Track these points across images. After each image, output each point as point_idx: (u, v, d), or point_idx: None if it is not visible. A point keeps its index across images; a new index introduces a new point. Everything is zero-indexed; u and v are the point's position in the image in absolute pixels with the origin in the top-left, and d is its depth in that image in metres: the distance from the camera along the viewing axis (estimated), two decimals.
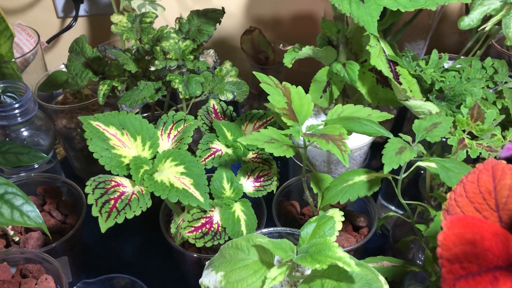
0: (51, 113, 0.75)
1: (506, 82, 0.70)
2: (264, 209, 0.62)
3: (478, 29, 0.74)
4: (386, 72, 0.59)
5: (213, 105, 0.65)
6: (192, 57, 0.63)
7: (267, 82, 0.55)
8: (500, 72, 0.68)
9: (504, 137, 0.60)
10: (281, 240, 0.48)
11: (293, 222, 0.65)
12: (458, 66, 0.68)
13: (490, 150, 0.55)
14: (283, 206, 0.66)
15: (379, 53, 0.61)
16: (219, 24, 0.67)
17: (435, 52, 0.66)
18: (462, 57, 0.82)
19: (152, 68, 0.59)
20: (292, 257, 0.45)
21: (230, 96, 0.66)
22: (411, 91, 0.63)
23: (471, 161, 0.58)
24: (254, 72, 0.56)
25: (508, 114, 0.63)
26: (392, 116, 0.58)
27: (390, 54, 0.63)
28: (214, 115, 0.65)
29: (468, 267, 0.30)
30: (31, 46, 0.83)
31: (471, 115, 0.54)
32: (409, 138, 0.51)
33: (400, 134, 0.52)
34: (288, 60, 0.64)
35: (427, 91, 0.65)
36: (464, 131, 0.56)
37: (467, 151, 0.54)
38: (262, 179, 0.58)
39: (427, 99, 0.65)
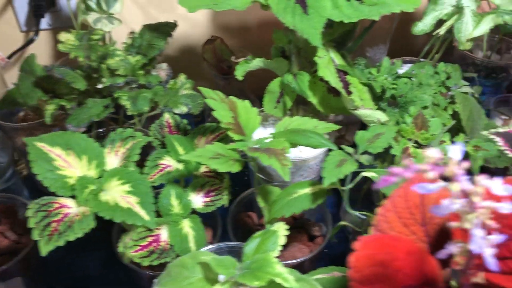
0: (9, 130, 0.75)
1: (460, 87, 0.71)
2: (218, 221, 0.62)
3: (433, 34, 0.74)
4: (334, 82, 0.59)
5: (167, 119, 0.65)
6: (142, 72, 0.62)
7: (212, 97, 0.55)
8: (453, 76, 0.69)
9: (453, 143, 0.60)
10: (225, 257, 0.48)
11: (250, 233, 0.65)
12: (412, 71, 0.68)
13: None
14: (240, 218, 0.66)
15: (327, 63, 0.61)
16: (171, 37, 0.67)
17: (386, 60, 0.67)
18: (422, 59, 0.83)
19: (100, 86, 0.58)
20: (234, 274, 0.45)
21: (184, 109, 0.66)
22: (362, 99, 0.63)
23: None
24: (199, 88, 0.56)
25: (460, 119, 0.64)
26: (339, 127, 0.58)
27: (340, 63, 0.64)
28: (168, 130, 0.65)
29: None
30: None
31: (415, 123, 0.55)
32: (351, 150, 0.51)
33: (343, 146, 0.52)
34: (239, 73, 0.64)
35: (380, 98, 0.66)
36: (410, 139, 0.56)
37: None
38: (212, 194, 0.58)
39: (380, 107, 0.65)
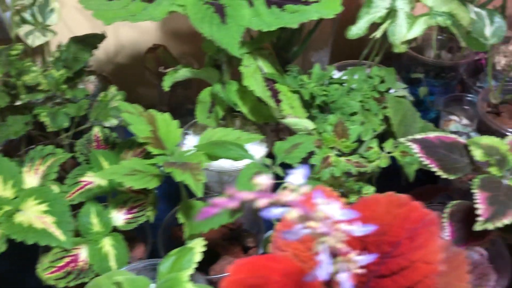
0: None
1: (396, 90, 0.70)
2: (149, 236, 0.61)
3: (369, 37, 0.73)
4: (259, 92, 0.58)
5: (96, 133, 0.64)
6: (65, 86, 0.61)
7: (128, 111, 0.53)
8: (387, 80, 0.68)
9: (382, 148, 0.60)
10: (139, 277, 0.47)
11: None
12: (344, 77, 0.68)
13: (358, 166, 0.54)
14: (174, 231, 0.65)
15: (254, 72, 0.60)
16: (97, 49, 0.65)
17: (317, 66, 0.66)
18: (364, 61, 0.82)
19: (18, 103, 0.57)
20: None
21: (114, 122, 0.64)
22: (292, 107, 0.63)
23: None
24: (120, 103, 0.54)
25: (391, 124, 0.63)
26: (262, 136, 0.57)
27: (269, 72, 0.63)
28: (96, 144, 0.63)
29: None
30: None
31: (336, 132, 0.54)
32: (269, 162, 0.51)
33: (263, 157, 0.51)
34: (166, 84, 0.63)
35: (311, 106, 0.65)
36: (333, 148, 0.55)
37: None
38: (135, 210, 0.57)
39: (312, 114, 0.65)
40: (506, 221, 0.41)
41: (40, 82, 0.58)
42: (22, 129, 0.57)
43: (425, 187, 0.59)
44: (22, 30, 0.72)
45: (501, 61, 0.91)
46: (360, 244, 0.33)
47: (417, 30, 0.68)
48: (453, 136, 0.49)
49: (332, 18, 0.83)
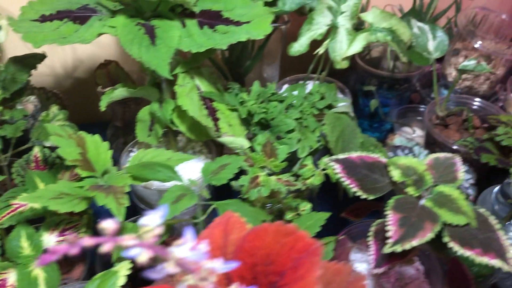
0: None
1: (338, 106, 0.71)
2: (87, 257, 0.61)
3: (313, 53, 0.74)
4: (192, 111, 0.59)
5: (36, 153, 0.64)
6: (1, 108, 0.61)
7: (57, 134, 0.53)
8: (327, 97, 0.69)
9: (316, 166, 0.60)
10: None
11: None
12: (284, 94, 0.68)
13: (289, 184, 0.55)
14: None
15: (189, 91, 0.61)
16: (34, 68, 0.65)
17: (256, 83, 0.66)
18: (312, 75, 0.83)
19: None
20: None
21: None
22: (230, 125, 0.63)
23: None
24: (45, 125, 0.54)
25: (327, 141, 0.63)
26: (193, 157, 0.57)
27: (207, 90, 0.63)
28: (35, 165, 0.63)
29: None
30: None
31: (265, 151, 0.54)
32: (195, 183, 0.51)
33: (189, 179, 0.51)
34: (103, 104, 0.62)
35: (251, 123, 0.65)
36: (264, 167, 0.56)
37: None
38: (68, 232, 0.56)
39: (252, 132, 0.65)
40: (414, 243, 0.41)
41: None
42: None
43: (356, 204, 0.59)
44: None
45: (452, 73, 0.93)
46: (251, 273, 0.33)
47: (357, 46, 0.69)
48: (375, 156, 0.50)
49: (281, 33, 0.85)
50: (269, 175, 0.56)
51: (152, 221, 0.25)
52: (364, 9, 1.05)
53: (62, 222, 0.57)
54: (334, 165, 0.49)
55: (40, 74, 1.02)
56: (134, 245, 0.23)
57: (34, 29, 0.56)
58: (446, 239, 0.44)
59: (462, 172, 0.48)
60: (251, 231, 0.34)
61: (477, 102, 0.83)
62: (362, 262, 0.61)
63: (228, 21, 0.58)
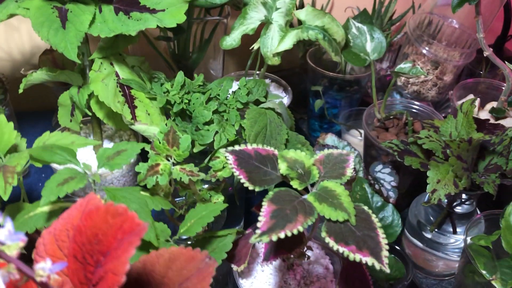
0: None
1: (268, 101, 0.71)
2: None
3: (250, 48, 0.74)
4: (104, 97, 0.58)
5: None
6: None
7: None
8: (254, 92, 0.68)
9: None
10: None
11: None
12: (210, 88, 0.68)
13: (192, 174, 0.54)
14: None
15: (105, 77, 0.61)
16: None
17: (180, 74, 0.66)
18: (252, 71, 0.83)
19: None
20: None
21: None
22: (149, 114, 0.63)
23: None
24: None
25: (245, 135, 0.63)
26: (98, 142, 0.57)
27: (126, 77, 0.63)
28: None
29: None
30: None
31: (167, 140, 0.54)
32: (88, 167, 0.50)
33: (84, 163, 0.51)
34: (22, 86, 0.62)
35: (174, 113, 0.65)
36: (169, 156, 0.55)
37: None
38: None
39: (173, 121, 0.65)
40: (282, 234, 0.41)
41: None
42: None
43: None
44: None
45: (402, 78, 0.92)
46: (81, 253, 0.33)
47: (288, 43, 0.69)
48: (269, 149, 0.49)
49: (224, 27, 0.84)
50: (175, 164, 0.55)
51: None
52: (323, 8, 1.04)
53: None
54: (228, 155, 0.48)
55: None
56: None
57: None
58: (323, 234, 0.43)
59: (351, 169, 0.47)
60: (86, 211, 0.34)
61: (418, 106, 0.82)
62: None
63: (144, 8, 0.57)
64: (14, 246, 0.28)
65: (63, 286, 0.31)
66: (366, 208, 0.45)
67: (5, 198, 0.47)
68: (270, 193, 0.44)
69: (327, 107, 0.94)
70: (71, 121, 0.66)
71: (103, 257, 0.32)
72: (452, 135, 0.65)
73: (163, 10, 0.57)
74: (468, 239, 0.65)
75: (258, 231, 0.41)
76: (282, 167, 0.46)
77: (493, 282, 0.56)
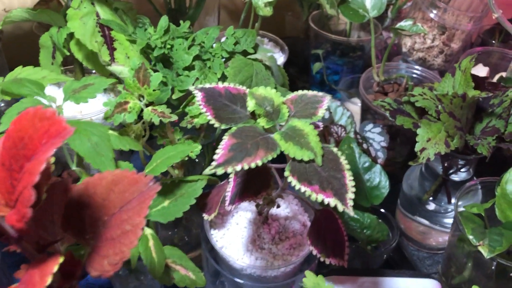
0: None
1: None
2: None
3: (244, 0, 0.71)
4: (81, 35, 0.56)
5: None
6: None
7: None
8: (242, 42, 0.65)
9: None
10: None
11: None
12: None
13: (163, 116, 0.52)
14: None
15: (85, 15, 0.58)
16: None
17: (163, 18, 0.63)
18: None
19: None
20: None
21: None
22: (128, 57, 0.61)
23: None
24: None
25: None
26: (68, 79, 0.55)
27: (107, 18, 0.61)
28: None
29: None
30: None
31: (137, 78, 0.51)
32: (53, 99, 0.49)
33: (48, 95, 0.49)
34: (0, 24, 0.61)
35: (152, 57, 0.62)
36: (141, 96, 0.53)
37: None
38: None
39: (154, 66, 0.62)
40: (238, 167, 0.38)
41: None
42: None
43: None
44: None
45: (407, 43, 0.87)
46: (9, 159, 0.31)
47: None
48: (241, 88, 0.47)
49: None
50: (148, 106, 0.53)
51: None
52: None
53: None
54: (197, 92, 0.46)
55: None
56: None
57: None
58: (286, 173, 0.40)
59: (324, 110, 0.44)
60: (18, 115, 0.31)
61: (420, 71, 0.78)
62: (247, 211, 0.58)
63: None
64: None
65: None
66: (335, 149, 0.42)
67: None
68: (234, 128, 0.42)
69: (328, 73, 0.90)
70: (52, 63, 0.64)
71: (27, 162, 0.29)
72: (449, 93, 0.61)
73: None
74: (461, 206, 0.61)
75: (213, 163, 0.39)
76: (250, 104, 0.44)
77: (479, 248, 0.53)
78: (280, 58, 0.80)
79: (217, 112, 0.45)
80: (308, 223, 0.58)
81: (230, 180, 0.48)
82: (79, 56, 0.61)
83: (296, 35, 1.06)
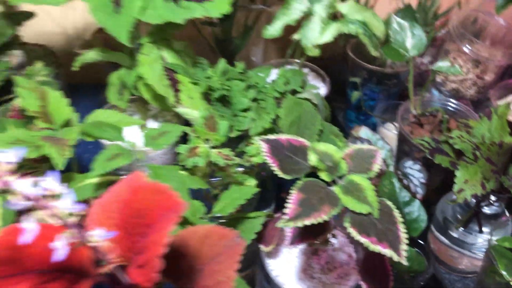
0: None
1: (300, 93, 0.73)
2: None
3: (290, 38, 0.76)
4: (151, 80, 0.62)
5: (16, 103, 0.69)
6: None
7: (23, 86, 0.59)
8: (292, 82, 0.71)
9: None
10: None
11: None
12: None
13: (227, 158, 0.58)
14: None
15: (153, 61, 0.64)
16: (20, 25, 0.71)
17: (221, 61, 0.69)
18: (291, 59, 0.85)
19: None
20: None
21: None
22: (191, 98, 0.67)
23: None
24: (14, 77, 0.59)
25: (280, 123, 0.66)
26: (142, 122, 0.61)
27: (172, 62, 0.67)
28: (13, 113, 0.69)
29: (4, 270, 0.34)
30: None
31: (206, 125, 0.57)
32: (133, 145, 0.55)
33: (128, 141, 0.55)
34: (76, 64, 0.67)
35: (212, 98, 0.68)
36: (208, 140, 0.59)
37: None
38: (28, 176, 0.62)
39: (213, 105, 0.68)
40: (307, 222, 0.44)
41: None
42: None
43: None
44: None
45: (440, 75, 0.92)
46: (126, 224, 0.37)
47: (328, 36, 0.71)
48: (302, 140, 0.52)
49: (268, 15, 0.87)
50: (213, 148, 0.59)
51: (6, 158, 0.29)
52: (367, 3, 1.04)
53: (24, 167, 0.62)
54: (262, 144, 0.52)
55: (52, 33, 1.08)
56: None
57: None
58: (346, 224, 0.46)
59: (378, 165, 0.49)
60: (133, 187, 0.38)
61: (455, 105, 0.82)
62: None
63: None
64: (75, 214, 0.32)
65: (111, 252, 0.36)
66: (389, 203, 0.48)
67: (61, 168, 0.52)
68: (299, 182, 0.47)
69: (364, 99, 0.95)
70: (119, 99, 0.71)
71: (147, 229, 0.36)
72: (485, 137, 0.65)
73: (211, 0, 0.60)
74: (493, 239, 0.66)
75: (285, 217, 0.45)
76: (313, 159, 0.49)
77: None
78: (322, 89, 0.85)
79: (281, 163, 0.51)
80: (353, 254, 0.64)
81: None
82: (147, 96, 0.67)
83: (331, 56, 1.11)
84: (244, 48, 0.89)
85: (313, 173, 0.50)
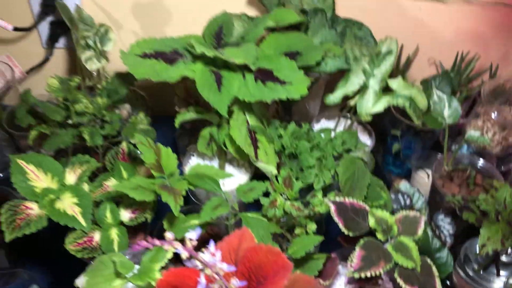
0: (16, 136, 0.99)
1: (353, 151, 0.88)
2: (147, 228, 0.83)
3: (346, 102, 0.92)
4: (239, 141, 0.79)
5: (123, 147, 0.87)
6: (105, 112, 0.84)
7: (142, 143, 0.75)
8: (347, 142, 0.86)
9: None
10: (128, 260, 0.69)
11: None
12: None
13: (298, 210, 0.74)
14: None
15: (240, 124, 0.81)
16: (132, 85, 0.88)
17: (292, 124, 0.85)
18: (347, 114, 1.00)
19: (69, 121, 0.80)
20: (128, 274, 0.66)
21: None
22: (267, 154, 0.83)
23: None
24: (136, 135, 0.76)
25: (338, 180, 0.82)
26: (232, 175, 0.77)
27: (253, 124, 0.83)
28: (121, 156, 0.86)
29: None
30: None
31: (284, 182, 0.73)
32: (229, 196, 0.71)
33: (225, 192, 0.72)
34: (176, 122, 0.84)
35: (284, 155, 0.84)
36: (283, 194, 0.75)
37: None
38: (137, 212, 0.79)
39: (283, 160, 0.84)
40: (368, 274, 0.59)
41: (88, 107, 0.81)
42: (69, 141, 0.80)
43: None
44: (83, 55, 0.96)
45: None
46: (247, 274, 0.53)
47: (380, 107, 0.86)
48: (362, 204, 0.68)
49: (324, 80, 1.02)
50: (286, 199, 0.75)
51: (192, 236, 0.45)
52: (409, 60, 1.19)
53: (135, 204, 0.79)
54: (331, 205, 0.67)
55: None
56: (180, 248, 0.44)
57: (137, 63, 0.78)
58: (396, 275, 0.61)
59: (422, 229, 0.65)
60: (252, 246, 0.54)
61: (482, 164, 0.97)
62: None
63: (276, 79, 0.76)
64: (222, 267, 0.48)
65: None
66: (429, 260, 0.63)
67: (177, 214, 0.68)
68: (361, 241, 0.63)
69: (403, 148, 1.10)
70: (206, 148, 0.87)
71: (263, 280, 0.52)
72: (506, 201, 0.80)
73: (290, 83, 0.76)
74: (509, 282, 0.80)
75: (351, 269, 0.60)
76: (371, 222, 0.65)
77: None
78: (368, 142, 1.00)
79: (346, 222, 0.66)
80: None
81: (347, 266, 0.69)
82: (231, 150, 0.83)
83: None
84: (302, 102, 1.04)
85: (370, 232, 0.66)
